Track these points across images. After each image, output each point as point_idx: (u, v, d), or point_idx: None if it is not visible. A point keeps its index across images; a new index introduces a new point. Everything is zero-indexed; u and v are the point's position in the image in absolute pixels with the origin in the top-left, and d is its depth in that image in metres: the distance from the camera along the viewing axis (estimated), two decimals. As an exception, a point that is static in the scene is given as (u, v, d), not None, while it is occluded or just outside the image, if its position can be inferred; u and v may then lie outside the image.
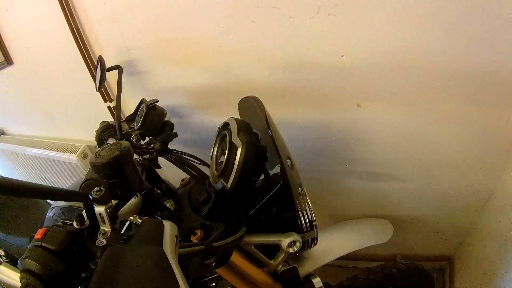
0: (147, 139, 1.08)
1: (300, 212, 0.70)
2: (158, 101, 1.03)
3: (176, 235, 0.49)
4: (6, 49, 1.71)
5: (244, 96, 0.81)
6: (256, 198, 0.68)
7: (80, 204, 0.95)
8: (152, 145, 0.98)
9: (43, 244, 0.49)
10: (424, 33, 0.85)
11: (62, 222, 0.54)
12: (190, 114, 1.39)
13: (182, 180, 0.87)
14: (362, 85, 1.01)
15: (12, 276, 1.42)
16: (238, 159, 0.59)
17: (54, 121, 1.96)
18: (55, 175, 2.08)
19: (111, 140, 1.01)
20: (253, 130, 0.68)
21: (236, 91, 1.17)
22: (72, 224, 0.53)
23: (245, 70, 1.13)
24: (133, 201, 0.61)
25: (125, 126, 1.12)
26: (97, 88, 1.14)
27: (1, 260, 1.48)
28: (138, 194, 0.63)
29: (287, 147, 0.72)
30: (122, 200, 0.55)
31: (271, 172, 0.68)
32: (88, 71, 1.45)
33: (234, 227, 0.64)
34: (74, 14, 1.31)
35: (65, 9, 1.29)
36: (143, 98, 1.14)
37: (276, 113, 0.74)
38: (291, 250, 0.70)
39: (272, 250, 0.74)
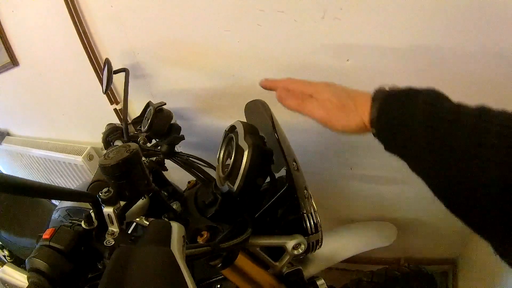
0: (153, 141, 1.09)
1: (305, 215, 0.70)
2: (165, 104, 1.04)
3: (183, 236, 0.50)
4: (12, 50, 1.72)
5: (250, 99, 0.81)
6: (261, 201, 0.68)
7: (86, 206, 0.96)
8: (158, 148, 0.99)
9: (52, 244, 0.49)
10: (428, 37, 0.86)
11: (70, 222, 0.54)
12: (195, 116, 1.39)
13: (189, 182, 0.88)
14: (367, 89, 1.01)
15: (16, 276, 1.43)
16: (244, 162, 0.59)
17: (59, 122, 1.97)
18: (60, 176, 2.09)
19: (118, 142, 1.02)
20: (259, 133, 0.68)
21: (241, 94, 1.18)
22: (80, 225, 0.54)
23: (250, 73, 1.14)
24: (140, 202, 0.62)
25: (131, 129, 1.13)
26: (104, 91, 1.15)
27: (6, 260, 1.49)
28: (145, 195, 0.63)
29: (293, 150, 0.73)
30: (130, 201, 0.56)
31: (276, 175, 0.69)
32: (94, 73, 1.45)
33: (240, 229, 0.65)
34: (80, 16, 1.32)
35: (71, 11, 1.30)
36: (150, 101, 1.15)
37: (281, 116, 0.75)
38: (296, 252, 0.71)
39: (277, 252, 0.75)
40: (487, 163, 0.36)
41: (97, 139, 1.85)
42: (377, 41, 0.90)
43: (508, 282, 1.00)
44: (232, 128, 0.71)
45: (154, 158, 0.95)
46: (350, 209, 1.44)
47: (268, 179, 0.68)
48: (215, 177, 0.74)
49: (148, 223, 0.70)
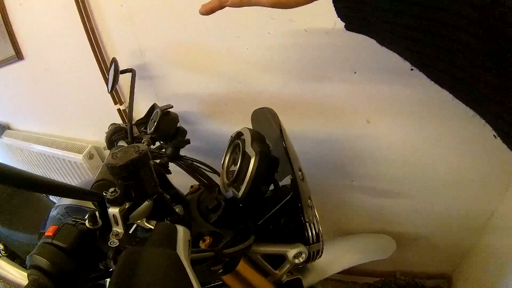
0: (157, 143, 1.08)
1: (307, 224, 0.70)
2: (172, 106, 1.04)
3: (189, 240, 0.50)
4: (17, 44, 1.73)
5: (255, 106, 0.82)
6: (265, 208, 0.69)
7: (86, 204, 0.95)
8: (163, 150, 0.99)
9: (54, 242, 0.48)
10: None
11: (73, 221, 0.54)
12: (199, 121, 1.40)
13: (191, 187, 0.87)
14: (372, 102, 1.02)
15: (10, 270, 1.42)
16: (251, 169, 0.59)
17: (62, 119, 1.97)
18: (59, 174, 2.08)
19: (122, 143, 1.02)
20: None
21: (247, 101, 1.18)
22: (83, 223, 0.53)
23: (257, 80, 1.14)
24: (144, 204, 0.62)
25: (135, 130, 1.12)
26: (109, 90, 1.15)
27: (0, 254, 1.48)
28: (150, 198, 0.63)
29: (299, 159, 0.73)
30: (136, 203, 0.55)
31: (280, 184, 0.69)
32: (100, 71, 1.46)
33: (243, 236, 0.65)
34: (89, 13, 1.33)
35: (80, 7, 1.30)
36: (155, 103, 1.15)
37: (286, 125, 0.75)
38: (296, 261, 0.71)
39: (278, 260, 0.75)
40: None
41: (99, 138, 1.86)
42: (385, 55, 0.91)
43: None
44: (239, 135, 0.71)
45: (158, 161, 0.95)
46: (350, 221, 1.44)
47: (271, 187, 0.68)
48: (218, 183, 0.74)
49: (149, 225, 0.70)
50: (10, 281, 1.32)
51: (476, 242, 1.27)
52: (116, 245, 0.50)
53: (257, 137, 0.65)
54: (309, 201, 0.69)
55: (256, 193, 0.61)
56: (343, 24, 0.50)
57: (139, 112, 1.46)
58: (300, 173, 0.67)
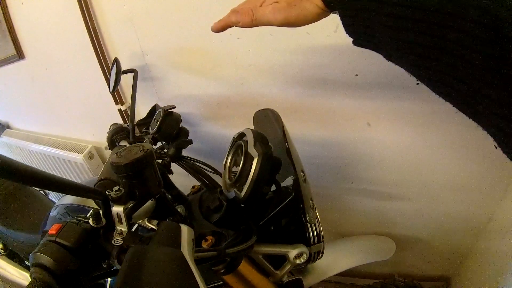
0: (159, 144, 1.09)
1: (309, 224, 0.70)
2: (175, 107, 1.04)
3: (193, 239, 0.50)
4: (18, 43, 1.73)
5: (257, 109, 0.82)
6: (266, 209, 0.69)
7: (86, 204, 0.95)
8: (164, 150, 0.99)
9: (58, 240, 0.48)
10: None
11: (76, 219, 0.54)
12: (200, 123, 1.40)
13: (193, 187, 0.88)
14: (373, 105, 1.03)
15: (9, 269, 1.42)
16: (253, 169, 0.60)
17: (62, 119, 1.97)
18: (58, 173, 2.08)
19: (124, 143, 1.02)
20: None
21: (248, 103, 1.19)
22: (87, 222, 0.53)
23: (259, 83, 1.15)
24: (147, 204, 0.62)
25: (136, 130, 1.13)
26: (111, 90, 1.15)
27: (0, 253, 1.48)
28: (153, 197, 0.64)
29: (301, 160, 0.73)
30: (140, 202, 0.56)
31: (282, 185, 0.69)
32: (101, 72, 1.46)
33: (245, 236, 0.65)
34: (91, 13, 1.33)
35: (82, 7, 1.31)
36: (157, 104, 1.15)
37: (287, 127, 0.75)
38: (297, 261, 0.71)
39: (278, 260, 0.75)
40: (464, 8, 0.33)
41: (99, 139, 1.86)
42: (386, 61, 0.92)
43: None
44: (241, 136, 0.71)
45: (160, 161, 0.95)
46: (349, 223, 1.44)
47: (273, 188, 0.69)
48: (220, 183, 0.74)
49: (150, 225, 0.70)
50: (10, 280, 1.32)
51: (474, 246, 1.27)
52: (120, 243, 0.50)
53: (260, 138, 0.65)
54: (311, 202, 0.69)
55: (258, 194, 0.61)
56: (345, 27, 0.50)
57: (140, 113, 1.46)
58: (302, 174, 0.68)
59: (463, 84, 0.36)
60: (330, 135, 1.16)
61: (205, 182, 0.85)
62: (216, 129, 1.39)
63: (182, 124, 1.04)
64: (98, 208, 0.53)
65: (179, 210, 0.76)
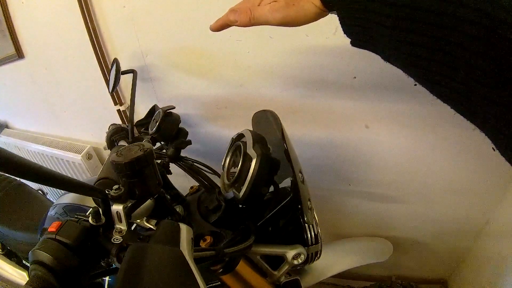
0: (157, 144, 1.09)
1: (307, 225, 0.71)
2: (174, 107, 1.04)
3: (192, 238, 0.50)
4: (18, 42, 1.72)
5: (255, 110, 0.83)
6: (264, 209, 0.69)
7: (84, 203, 0.95)
8: (163, 151, 0.99)
9: (58, 237, 0.48)
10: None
11: (76, 217, 0.54)
12: (199, 124, 1.40)
13: (191, 187, 0.88)
14: (372, 107, 1.03)
15: (7, 268, 1.42)
16: (252, 170, 0.60)
17: (61, 119, 1.96)
18: (57, 173, 2.07)
19: (123, 143, 1.02)
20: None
21: (247, 105, 1.19)
22: (86, 220, 0.53)
23: (258, 84, 1.15)
24: (146, 203, 0.62)
25: (135, 131, 1.13)
26: (110, 90, 1.15)
27: (-2, 252, 1.48)
28: (152, 196, 0.64)
29: (299, 161, 0.74)
30: (139, 201, 0.56)
31: (280, 186, 0.70)
32: (100, 72, 1.46)
33: (243, 236, 0.66)
34: (91, 14, 1.33)
35: (82, 7, 1.31)
36: (156, 104, 1.15)
37: (286, 129, 0.76)
38: (295, 262, 0.71)
39: (276, 261, 0.75)
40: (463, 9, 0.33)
41: (98, 139, 1.86)
42: (384, 63, 0.92)
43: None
44: (240, 136, 0.71)
45: (159, 161, 0.96)
46: (347, 224, 1.45)
47: (271, 189, 0.69)
48: (219, 184, 0.74)
49: (149, 225, 0.70)
50: (7, 279, 1.31)
51: (471, 248, 1.28)
52: (120, 241, 0.50)
53: (259, 139, 0.65)
54: (308, 203, 0.69)
55: (256, 195, 0.62)
56: (343, 27, 0.51)
57: (138, 113, 1.46)
58: (300, 175, 0.68)
59: (461, 85, 0.36)
60: (329, 137, 1.17)
61: (204, 182, 0.86)
62: (215, 130, 1.39)
63: (181, 125, 1.04)
64: (97, 206, 0.53)
65: (177, 210, 0.76)
